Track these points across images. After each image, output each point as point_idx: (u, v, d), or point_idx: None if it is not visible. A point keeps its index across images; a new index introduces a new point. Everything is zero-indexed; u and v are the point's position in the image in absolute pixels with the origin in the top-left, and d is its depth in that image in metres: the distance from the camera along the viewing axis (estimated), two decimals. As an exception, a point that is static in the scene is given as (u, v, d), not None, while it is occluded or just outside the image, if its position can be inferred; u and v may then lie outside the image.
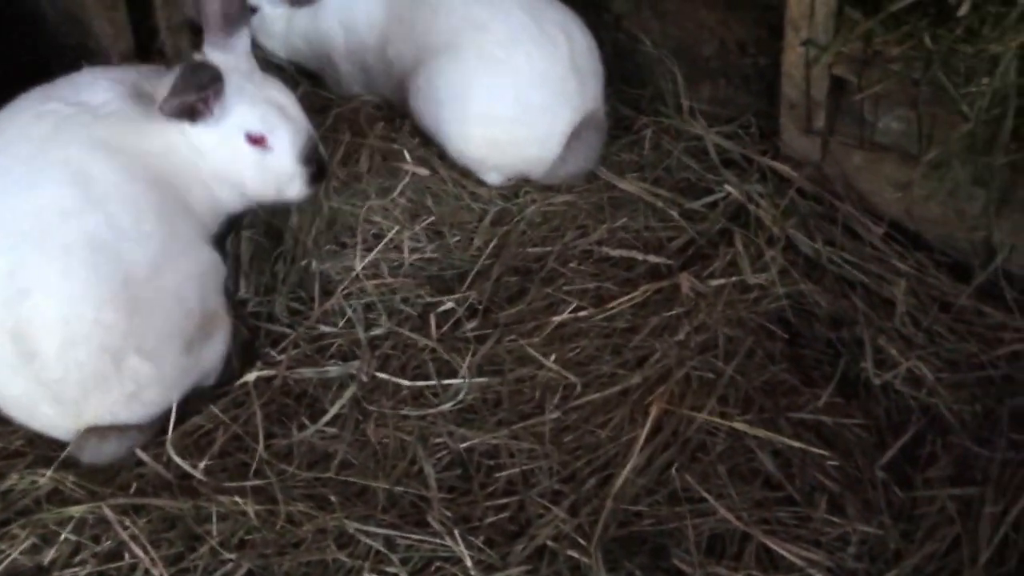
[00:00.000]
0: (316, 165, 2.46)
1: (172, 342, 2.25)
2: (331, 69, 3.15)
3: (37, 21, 2.96)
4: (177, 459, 2.26)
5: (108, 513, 2.13)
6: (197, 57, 2.42)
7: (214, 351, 2.37)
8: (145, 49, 2.87)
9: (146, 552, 2.07)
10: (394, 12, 2.93)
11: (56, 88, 2.38)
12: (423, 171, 2.88)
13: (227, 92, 2.35)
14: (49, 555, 2.10)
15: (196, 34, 3.02)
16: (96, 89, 2.35)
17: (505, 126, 2.84)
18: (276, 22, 3.16)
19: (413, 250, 2.73)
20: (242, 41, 2.44)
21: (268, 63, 3.08)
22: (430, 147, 2.97)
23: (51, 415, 2.22)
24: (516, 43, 2.82)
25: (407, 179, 2.84)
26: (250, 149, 2.40)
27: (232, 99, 2.36)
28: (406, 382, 2.45)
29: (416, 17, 2.89)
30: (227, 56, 2.40)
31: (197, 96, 2.29)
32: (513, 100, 2.83)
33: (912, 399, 2.40)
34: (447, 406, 2.40)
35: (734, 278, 2.63)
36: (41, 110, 2.29)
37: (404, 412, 2.39)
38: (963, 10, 2.25)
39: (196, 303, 2.30)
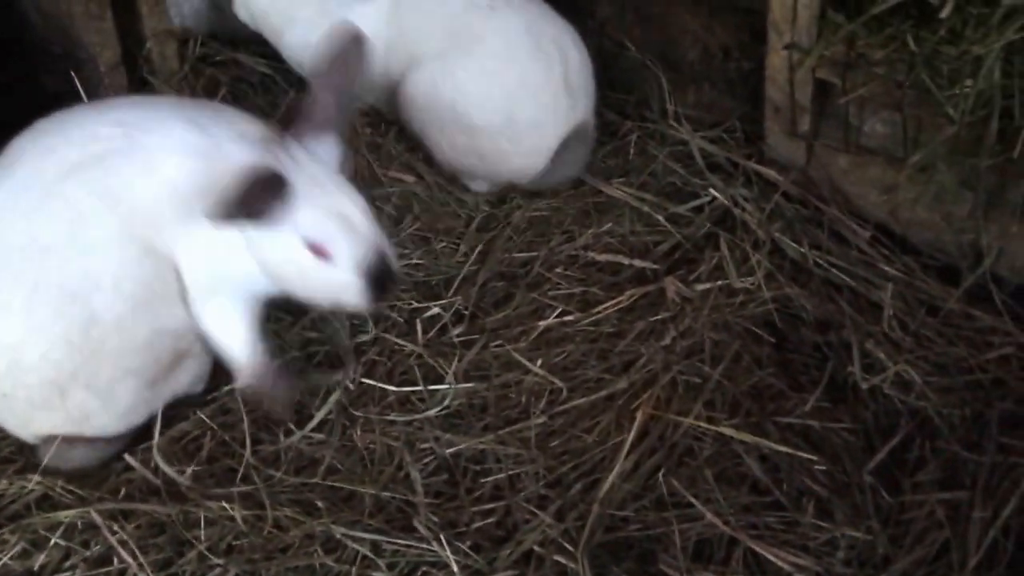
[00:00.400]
0: (379, 279, 2.17)
1: (130, 381, 2.19)
2: None
3: (25, 29, 2.95)
4: (164, 466, 2.23)
5: (96, 518, 2.11)
6: (260, 161, 2.11)
7: (187, 374, 2.31)
8: (132, 57, 2.86)
9: (135, 557, 2.06)
10: (395, 21, 2.92)
11: (124, 112, 2.22)
12: (409, 178, 2.87)
13: (292, 193, 2.09)
14: (39, 560, 2.08)
15: (182, 43, 3.04)
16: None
17: (493, 138, 2.84)
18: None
19: (399, 256, 2.71)
20: (326, 148, 2.21)
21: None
22: (416, 153, 2.96)
23: (8, 422, 2.22)
24: (510, 57, 2.82)
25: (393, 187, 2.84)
26: (308, 257, 2.14)
27: (296, 202, 2.10)
28: (392, 388, 2.43)
29: (411, 25, 2.88)
30: (303, 154, 2.17)
31: (254, 211, 2.05)
32: (502, 113, 2.83)
33: (900, 403, 2.39)
34: (433, 412, 2.38)
35: (720, 282, 2.62)
36: (94, 132, 2.16)
37: (391, 418, 2.37)
38: (945, 12, 2.25)
39: (168, 351, 2.23)
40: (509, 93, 2.82)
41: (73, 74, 2.82)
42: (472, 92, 2.81)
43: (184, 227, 2.14)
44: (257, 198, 2.03)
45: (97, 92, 2.84)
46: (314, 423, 2.35)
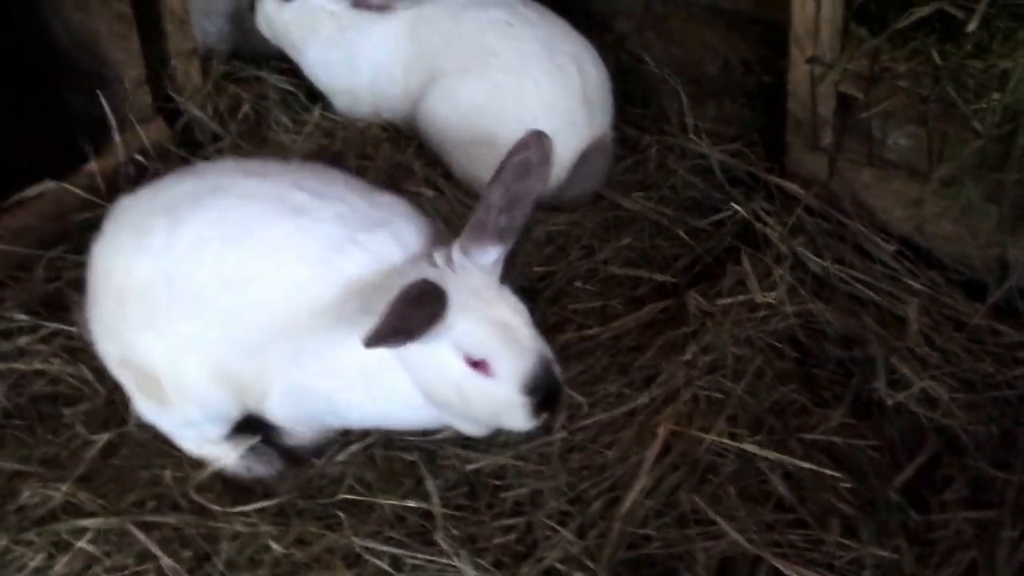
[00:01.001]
0: (545, 394, 2.02)
1: None
2: (345, 92, 3.15)
3: (51, 48, 2.99)
4: (194, 495, 2.23)
5: (130, 527, 2.12)
6: (423, 276, 1.97)
7: None
8: (156, 75, 2.89)
9: (159, 567, 2.06)
10: (414, 39, 2.94)
11: (344, 189, 2.16)
12: (429, 192, 2.88)
13: (450, 305, 1.95)
14: (61, 564, 2.08)
15: (204, 61, 3.07)
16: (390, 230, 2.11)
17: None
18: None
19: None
20: (490, 257, 2.05)
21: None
22: (436, 167, 2.97)
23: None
24: (525, 71, 2.84)
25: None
26: (468, 373, 1.99)
27: (454, 315, 1.96)
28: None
29: (430, 42, 2.90)
30: (466, 263, 2.03)
31: (408, 331, 1.90)
32: (518, 127, 2.82)
33: (926, 420, 2.35)
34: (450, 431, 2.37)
35: (741, 297, 2.60)
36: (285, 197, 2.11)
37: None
38: (972, 26, 2.24)
39: None
40: (526, 108, 2.83)
41: (99, 92, 2.85)
42: (489, 107, 2.82)
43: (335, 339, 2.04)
44: (412, 318, 1.88)
45: (122, 109, 2.88)
46: (336, 447, 2.34)
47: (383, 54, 3.00)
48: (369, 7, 2.96)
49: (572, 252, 2.83)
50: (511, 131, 2.81)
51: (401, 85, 2.99)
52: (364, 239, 2.07)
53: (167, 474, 2.26)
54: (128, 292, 2.13)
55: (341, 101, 3.17)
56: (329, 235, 2.07)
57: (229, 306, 2.08)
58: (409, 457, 2.30)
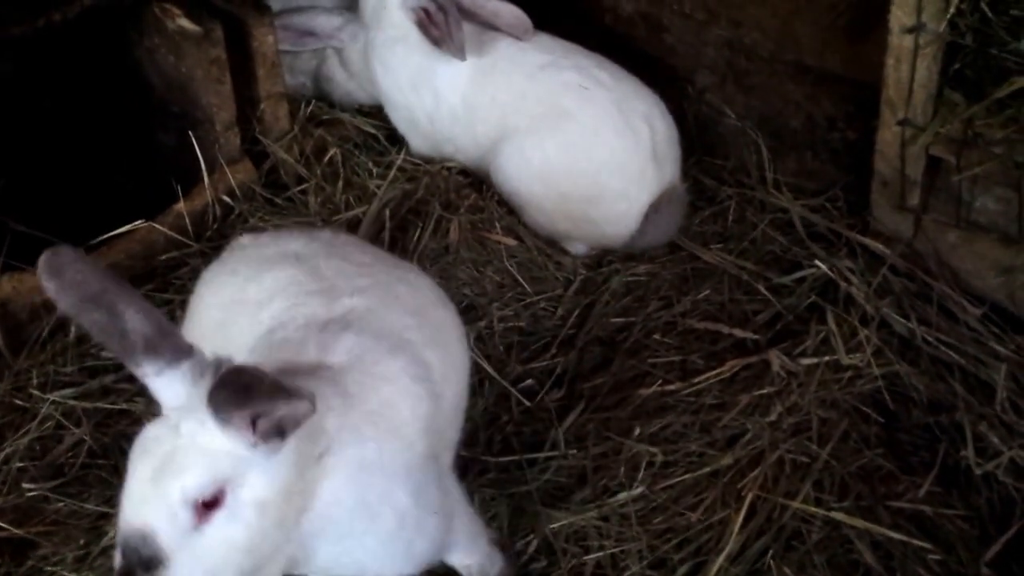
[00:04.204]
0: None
1: None
2: (404, 108, 3.16)
3: (143, 89, 3.06)
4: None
5: None
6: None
7: None
8: (245, 118, 2.94)
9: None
10: (482, 87, 2.97)
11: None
12: (510, 241, 2.89)
13: None
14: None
15: (291, 103, 3.12)
16: None
17: (582, 207, 2.90)
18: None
19: (501, 319, 2.73)
20: None
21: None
22: (516, 216, 2.99)
23: None
24: (599, 133, 2.87)
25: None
26: None
27: None
28: (491, 458, 2.42)
29: (503, 96, 2.94)
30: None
31: None
32: (591, 187, 2.88)
33: (1015, 491, 2.31)
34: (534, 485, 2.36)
35: (827, 357, 2.58)
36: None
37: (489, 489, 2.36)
38: (1072, 96, 2.21)
39: None
40: (598, 168, 2.87)
41: (190, 132, 2.91)
42: (562, 166, 2.87)
43: None
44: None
45: (212, 150, 2.93)
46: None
47: (445, 83, 3.03)
48: (431, 39, 2.96)
49: (650, 304, 2.83)
50: (583, 189, 2.90)
51: (463, 125, 3.01)
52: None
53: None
54: None
55: (398, 116, 3.17)
56: None
57: None
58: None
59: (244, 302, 2.03)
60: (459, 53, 2.88)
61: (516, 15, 2.93)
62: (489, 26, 2.94)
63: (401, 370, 1.87)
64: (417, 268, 2.40)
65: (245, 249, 2.23)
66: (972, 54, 2.42)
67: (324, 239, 2.25)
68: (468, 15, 2.91)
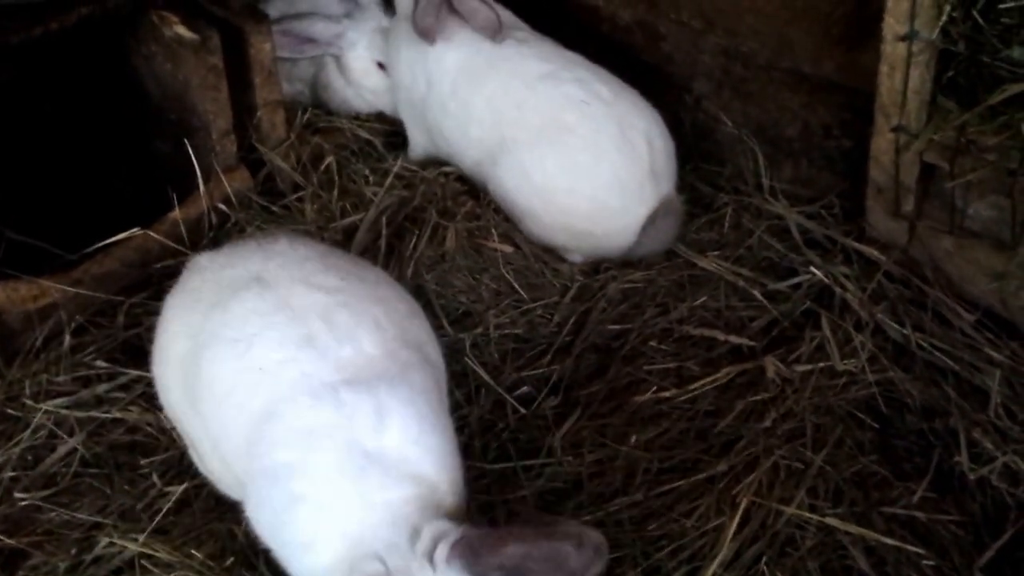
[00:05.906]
0: None
1: None
2: (411, 118, 3.20)
3: (140, 97, 3.07)
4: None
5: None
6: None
7: None
8: (241, 126, 2.95)
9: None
10: (483, 94, 2.98)
11: None
12: (507, 248, 2.90)
13: None
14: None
15: (288, 110, 3.13)
16: None
17: (581, 222, 2.91)
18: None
19: (497, 327, 2.74)
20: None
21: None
22: (513, 223, 3.00)
23: None
24: (599, 150, 2.88)
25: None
26: None
27: None
28: (487, 465, 2.43)
29: (504, 110, 2.94)
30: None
31: None
32: (590, 202, 2.89)
33: (1009, 496, 2.31)
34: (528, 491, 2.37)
35: (821, 364, 2.58)
36: None
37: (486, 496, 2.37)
38: (1065, 103, 2.22)
39: None
40: (598, 186, 2.88)
41: (186, 140, 2.92)
42: (562, 183, 2.88)
43: None
44: None
45: (208, 158, 2.94)
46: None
47: (433, 66, 3.04)
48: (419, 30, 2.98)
49: (647, 311, 2.83)
50: (582, 205, 2.90)
51: (455, 120, 3.02)
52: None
53: (240, 529, 2.26)
54: None
55: (402, 100, 3.19)
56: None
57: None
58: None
59: (219, 337, 2.05)
60: (425, 36, 2.90)
61: (489, 19, 2.95)
62: (466, 22, 2.96)
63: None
64: (372, 265, 2.44)
65: (204, 271, 2.23)
66: (965, 61, 2.43)
67: (281, 255, 2.22)
68: (452, 7, 2.95)
